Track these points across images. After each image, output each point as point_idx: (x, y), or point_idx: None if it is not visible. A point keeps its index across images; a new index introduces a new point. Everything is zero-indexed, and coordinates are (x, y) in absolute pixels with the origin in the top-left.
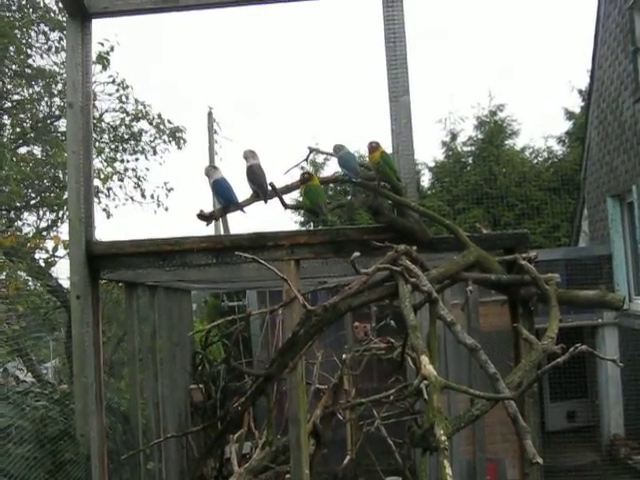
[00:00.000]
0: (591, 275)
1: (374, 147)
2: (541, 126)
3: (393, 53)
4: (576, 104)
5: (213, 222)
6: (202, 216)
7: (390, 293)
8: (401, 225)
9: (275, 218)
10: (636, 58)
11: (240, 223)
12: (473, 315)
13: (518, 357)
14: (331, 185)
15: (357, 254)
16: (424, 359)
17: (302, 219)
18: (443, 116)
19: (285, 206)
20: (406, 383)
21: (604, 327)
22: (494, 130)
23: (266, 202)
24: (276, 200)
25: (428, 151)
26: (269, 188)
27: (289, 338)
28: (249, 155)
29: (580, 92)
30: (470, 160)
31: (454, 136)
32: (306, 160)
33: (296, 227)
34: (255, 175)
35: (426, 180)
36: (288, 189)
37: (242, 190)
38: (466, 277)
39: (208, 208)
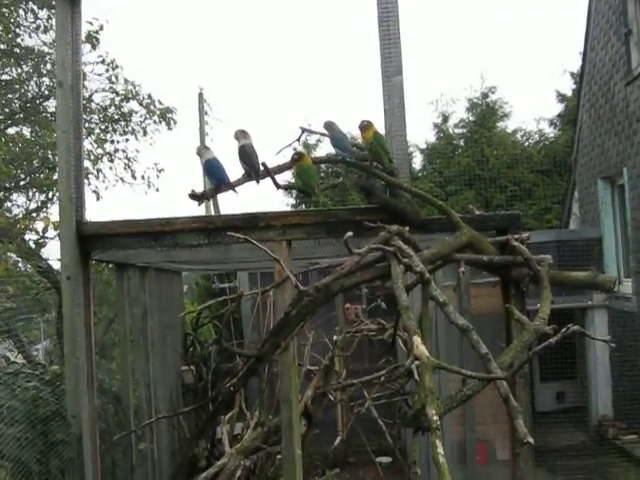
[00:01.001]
0: (581, 257)
1: (366, 126)
2: (533, 108)
3: (386, 32)
4: (568, 87)
5: (203, 203)
6: (194, 196)
7: (382, 274)
8: (393, 206)
9: (268, 199)
10: (628, 40)
11: (232, 204)
12: (464, 296)
13: (510, 338)
14: (323, 166)
15: (350, 234)
16: (416, 339)
17: (294, 201)
18: (435, 98)
19: (277, 186)
20: (397, 364)
21: (593, 309)
22: (486, 112)
23: (258, 182)
24: (268, 180)
25: (420, 133)
26: (261, 168)
27: (281, 319)
28: (240, 135)
29: (572, 75)
30: (462, 142)
31: (445, 118)
32: (298, 140)
33: (289, 209)
34: (247, 155)
35: (417, 162)
36: (280, 169)
37: (234, 170)
38: (458, 258)
39: (199, 188)
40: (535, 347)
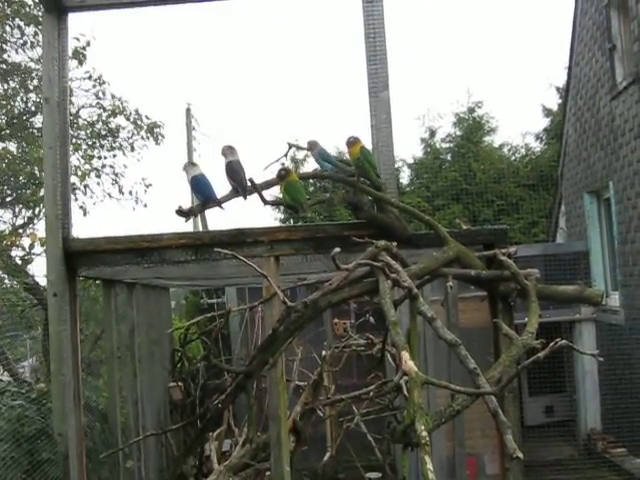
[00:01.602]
0: (568, 271)
1: (353, 142)
2: (519, 123)
3: (373, 48)
4: (554, 101)
5: (192, 218)
6: (181, 212)
7: (370, 289)
8: (381, 221)
9: (256, 214)
10: (612, 55)
11: (219, 219)
12: (452, 311)
13: (498, 353)
14: (311, 182)
15: (338, 250)
16: (405, 355)
17: (282, 216)
18: (422, 113)
19: (264, 202)
20: (386, 379)
21: (581, 322)
22: (472, 127)
23: (245, 198)
24: (256, 196)
25: (407, 148)
26: (248, 184)
27: (269, 335)
28: (227, 152)
29: (558, 89)
30: (449, 157)
31: (433, 133)
32: (285, 156)
33: (277, 224)
34: (234, 171)
35: (405, 177)
36: (268, 185)
37: (222, 186)
38: (446, 273)
39: (187, 204)
40: (523, 361)
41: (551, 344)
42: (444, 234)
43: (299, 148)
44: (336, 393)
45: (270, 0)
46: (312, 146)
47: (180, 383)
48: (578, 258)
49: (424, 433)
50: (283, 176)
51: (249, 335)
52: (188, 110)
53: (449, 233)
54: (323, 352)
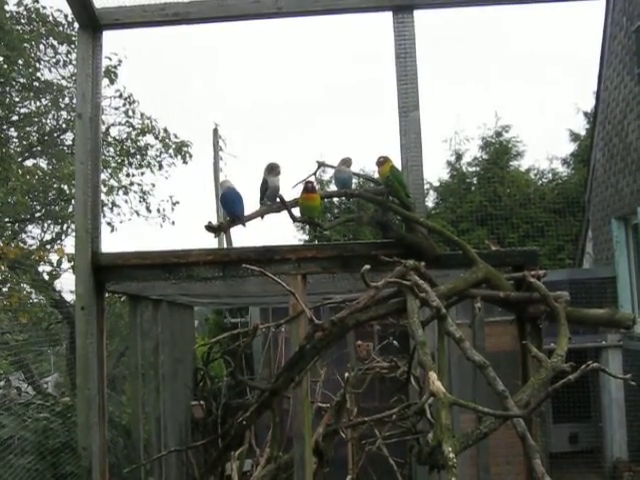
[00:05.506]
0: (595, 297)
1: (383, 161)
2: (546, 147)
3: (403, 68)
4: (581, 126)
5: (218, 236)
6: (211, 227)
7: (398, 309)
8: (409, 240)
9: (280, 235)
10: None
11: (241, 237)
12: (479, 334)
13: (526, 376)
14: (335, 202)
15: (367, 267)
16: (432, 375)
17: (307, 237)
18: (449, 136)
19: (294, 219)
20: (409, 402)
21: (607, 349)
22: (499, 151)
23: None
24: (274, 215)
25: (433, 170)
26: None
27: (295, 352)
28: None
29: (585, 114)
30: (475, 180)
31: (459, 156)
32: (315, 174)
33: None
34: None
35: (430, 200)
36: (297, 202)
37: (250, 204)
38: (474, 294)
39: (214, 221)
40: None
41: (583, 366)
42: (473, 255)
43: (328, 167)
44: (358, 416)
45: (298, 20)
46: (346, 162)
47: (202, 402)
48: (605, 284)
49: (451, 455)
50: (309, 190)
51: (272, 355)
52: (215, 130)
53: (478, 254)
54: (346, 374)
